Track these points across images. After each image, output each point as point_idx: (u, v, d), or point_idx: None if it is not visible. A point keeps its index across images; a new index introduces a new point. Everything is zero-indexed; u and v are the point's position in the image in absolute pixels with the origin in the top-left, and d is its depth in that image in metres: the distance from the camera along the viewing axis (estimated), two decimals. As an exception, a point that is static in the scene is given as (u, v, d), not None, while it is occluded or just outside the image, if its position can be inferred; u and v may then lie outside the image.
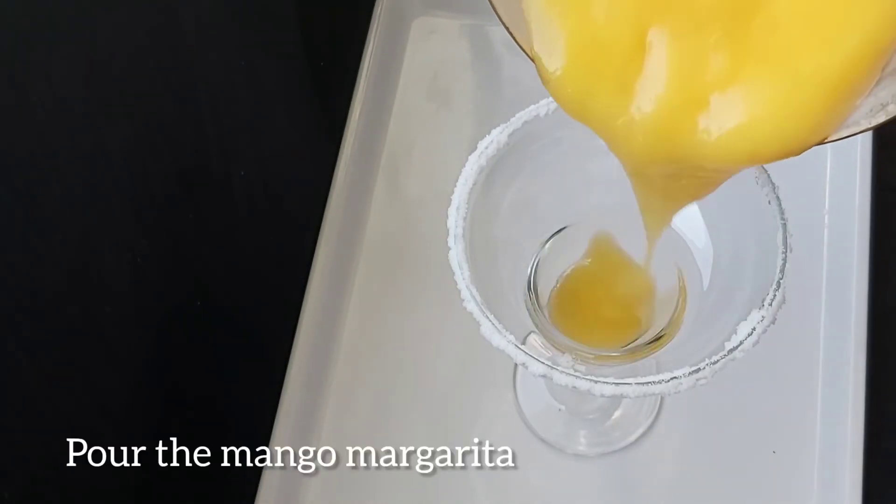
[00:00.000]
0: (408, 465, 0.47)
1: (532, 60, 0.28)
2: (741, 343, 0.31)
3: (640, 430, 0.47)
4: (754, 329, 0.31)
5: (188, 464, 0.43)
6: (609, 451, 0.47)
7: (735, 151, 0.26)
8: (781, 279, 0.32)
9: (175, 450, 0.42)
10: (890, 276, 0.48)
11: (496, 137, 0.35)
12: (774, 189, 0.34)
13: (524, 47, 0.28)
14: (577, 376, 0.31)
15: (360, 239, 0.51)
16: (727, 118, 0.25)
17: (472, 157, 0.35)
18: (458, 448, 0.47)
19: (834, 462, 0.44)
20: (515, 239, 0.39)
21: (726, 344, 0.32)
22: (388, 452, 0.47)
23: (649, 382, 0.31)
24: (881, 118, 0.25)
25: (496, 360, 0.48)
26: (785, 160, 0.26)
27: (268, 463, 0.45)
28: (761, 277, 0.34)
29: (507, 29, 0.28)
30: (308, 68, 0.51)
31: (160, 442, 0.41)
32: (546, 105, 0.35)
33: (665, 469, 0.46)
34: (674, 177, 0.30)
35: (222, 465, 0.46)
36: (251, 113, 0.46)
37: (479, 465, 0.47)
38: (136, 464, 0.39)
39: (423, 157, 0.53)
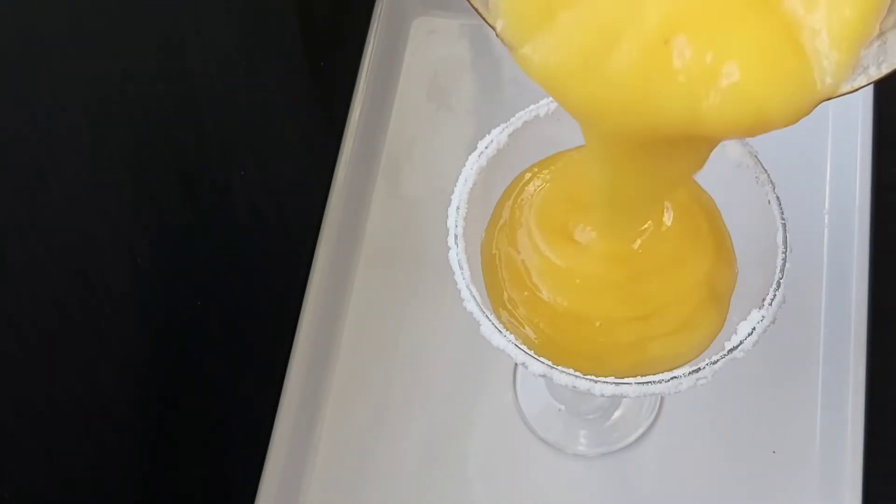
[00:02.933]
0: (408, 464, 0.47)
1: (493, 28, 0.27)
2: (741, 343, 0.31)
3: (640, 430, 0.47)
4: (754, 329, 0.32)
5: (188, 464, 0.43)
6: (609, 451, 0.47)
7: (739, 115, 0.25)
8: (781, 279, 0.32)
9: (175, 450, 0.42)
10: (890, 276, 0.48)
11: (496, 137, 0.35)
12: (774, 189, 0.34)
13: (488, 20, 0.28)
14: (577, 376, 0.31)
15: (360, 239, 0.51)
16: (730, 79, 0.25)
17: (472, 157, 0.35)
18: (458, 448, 0.47)
19: (834, 462, 0.44)
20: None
21: (726, 344, 0.32)
22: (388, 452, 0.47)
23: (649, 382, 0.31)
24: (862, 81, 0.26)
25: (496, 360, 0.48)
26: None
27: (268, 463, 0.45)
28: (761, 277, 0.34)
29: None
30: (308, 68, 0.51)
31: (160, 442, 0.41)
32: (546, 105, 0.35)
33: (665, 469, 0.46)
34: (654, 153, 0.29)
35: (222, 465, 0.46)
36: (251, 113, 0.46)
37: (479, 465, 0.47)
38: (136, 464, 0.39)
39: (423, 157, 0.53)
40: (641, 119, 0.26)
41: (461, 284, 0.33)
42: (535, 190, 0.37)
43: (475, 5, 0.27)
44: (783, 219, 0.33)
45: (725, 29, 0.25)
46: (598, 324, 0.34)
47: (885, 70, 0.25)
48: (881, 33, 0.25)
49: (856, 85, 0.25)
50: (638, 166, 0.30)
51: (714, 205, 0.37)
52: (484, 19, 0.27)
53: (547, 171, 0.37)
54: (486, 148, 0.35)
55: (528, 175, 0.37)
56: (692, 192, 0.36)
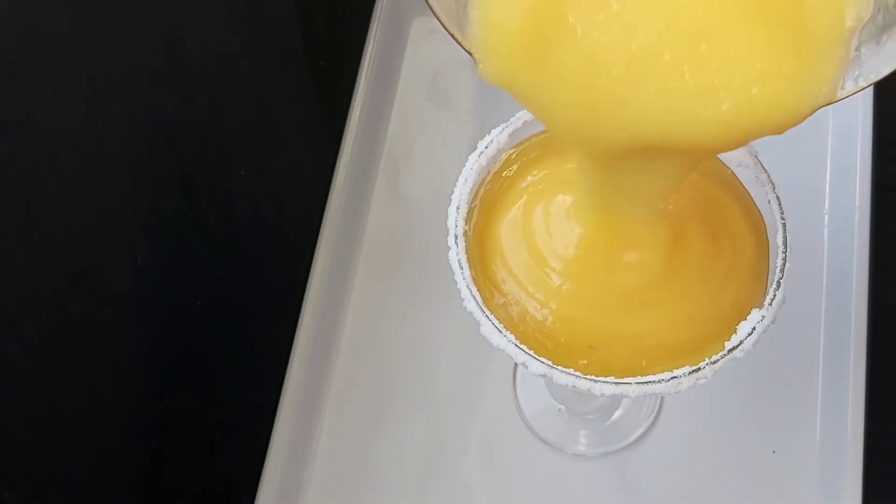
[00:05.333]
0: (408, 464, 0.47)
1: (469, 53, 0.27)
2: (741, 343, 0.31)
3: (640, 430, 0.47)
4: (754, 329, 0.31)
5: (188, 464, 0.43)
6: (609, 451, 0.47)
7: (734, 127, 0.25)
8: (781, 279, 0.32)
9: (175, 450, 0.42)
10: (890, 276, 0.48)
11: (496, 137, 0.35)
12: (774, 189, 0.34)
13: (461, 42, 0.28)
14: (577, 376, 0.31)
15: (360, 239, 0.51)
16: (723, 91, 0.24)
17: (472, 157, 0.35)
18: (458, 448, 0.47)
19: (834, 462, 0.44)
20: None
21: (726, 344, 0.32)
22: (389, 452, 0.47)
23: (649, 382, 0.31)
24: (840, 95, 0.25)
25: (496, 360, 0.48)
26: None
27: (268, 463, 0.45)
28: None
29: (439, 19, 0.27)
30: (308, 68, 0.51)
31: (160, 442, 0.41)
32: (546, 105, 0.35)
33: (665, 469, 0.46)
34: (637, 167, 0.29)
35: (222, 465, 0.46)
36: (251, 113, 0.46)
37: (479, 465, 0.47)
38: (136, 464, 0.39)
39: (423, 157, 0.53)
40: (628, 133, 0.26)
41: (461, 284, 0.33)
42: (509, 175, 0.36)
43: (451, 31, 0.27)
44: (783, 219, 0.33)
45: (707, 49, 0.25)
46: (585, 362, 0.33)
47: (862, 84, 0.25)
48: (857, 44, 0.25)
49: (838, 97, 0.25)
50: (626, 171, 0.30)
51: (764, 224, 0.35)
52: (461, 45, 0.27)
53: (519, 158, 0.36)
54: (486, 148, 0.35)
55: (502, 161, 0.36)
56: (750, 213, 0.35)
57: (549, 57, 0.26)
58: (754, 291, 0.33)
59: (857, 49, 0.25)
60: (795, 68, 0.24)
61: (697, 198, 0.34)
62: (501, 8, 0.26)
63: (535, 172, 0.36)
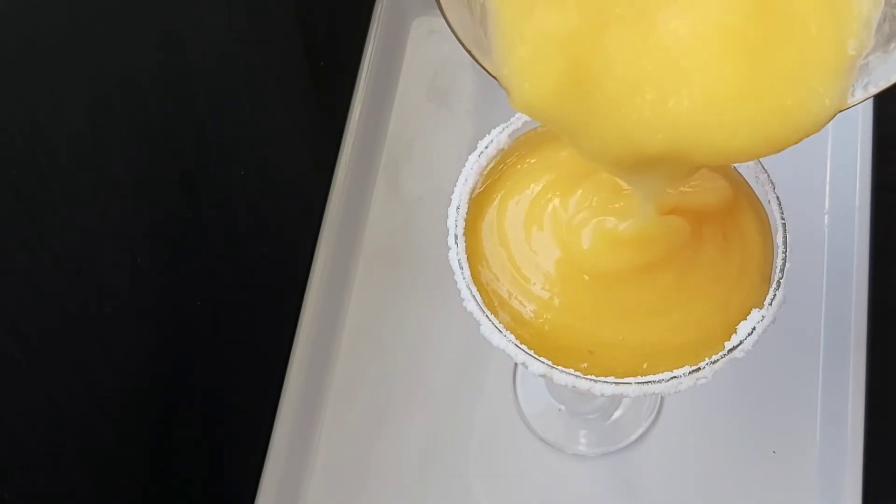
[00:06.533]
0: (408, 465, 0.47)
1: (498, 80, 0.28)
2: (741, 343, 0.31)
3: (640, 430, 0.47)
4: (754, 329, 0.32)
5: (188, 464, 0.43)
6: (609, 451, 0.47)
7: (751, 142, 0.25)
8: (781, 279, 0.32)
9: (175, 450, 0.42)
10: (890, 276, 0.48)
11: (496, 137, 0.35)
12: (774, 189, 0.34)
13: (489, 70, 0.28)
14: (577, 376, 0.31)
15: (360, 239, 0.51)
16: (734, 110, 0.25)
17: (472, 157, 0.35)
18: (458, 448, 0.47)
19: (834, 462, 0.44)
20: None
21: (726, 344, 0.32)
22: (388, 452, 0.47)
23: (649, 382, 0.31)
24: (850, 102, 0.26)
25: (496, 360, 0.48)
26: (786, 151, 0.26)
27: (268, 463, 0.45)
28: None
29: (469, 52, 0.28)
30: (308, 68, 0.51)
31: (160, 442, 0.41)
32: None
33: (665, 469, 0.46)
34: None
35: (222, 465, 0.46)
36: (251, 113, 0.46)
37: (479, 465, 0.47)
38: (136, 464, 0.39)
39: (423, 157, 0.53)
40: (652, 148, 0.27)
41: (461, 284, 0.33)
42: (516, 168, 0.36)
43: (479, 61, 0.27)
44: (783, 219, 0.33)
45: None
46: (585, 365, 0.32)
47: (872, 91, 0.25)
48: (865, 55, 0.25)
49: (845, 105, 0.26)
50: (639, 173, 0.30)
51: (769, 223, 0.35)
52: (485, 69, 0.28)
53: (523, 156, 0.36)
54: (486, 148, 0.35)
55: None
56: (758, 213, 0.35)
57: (582, 93, 0.26)
58: (761, 293, 0.33)
59: (866, 58, 0.25)
60: (800, 95, 0.25)
61: (711, 197, 0.34)
62: (529, 48, 0.26)
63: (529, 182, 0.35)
